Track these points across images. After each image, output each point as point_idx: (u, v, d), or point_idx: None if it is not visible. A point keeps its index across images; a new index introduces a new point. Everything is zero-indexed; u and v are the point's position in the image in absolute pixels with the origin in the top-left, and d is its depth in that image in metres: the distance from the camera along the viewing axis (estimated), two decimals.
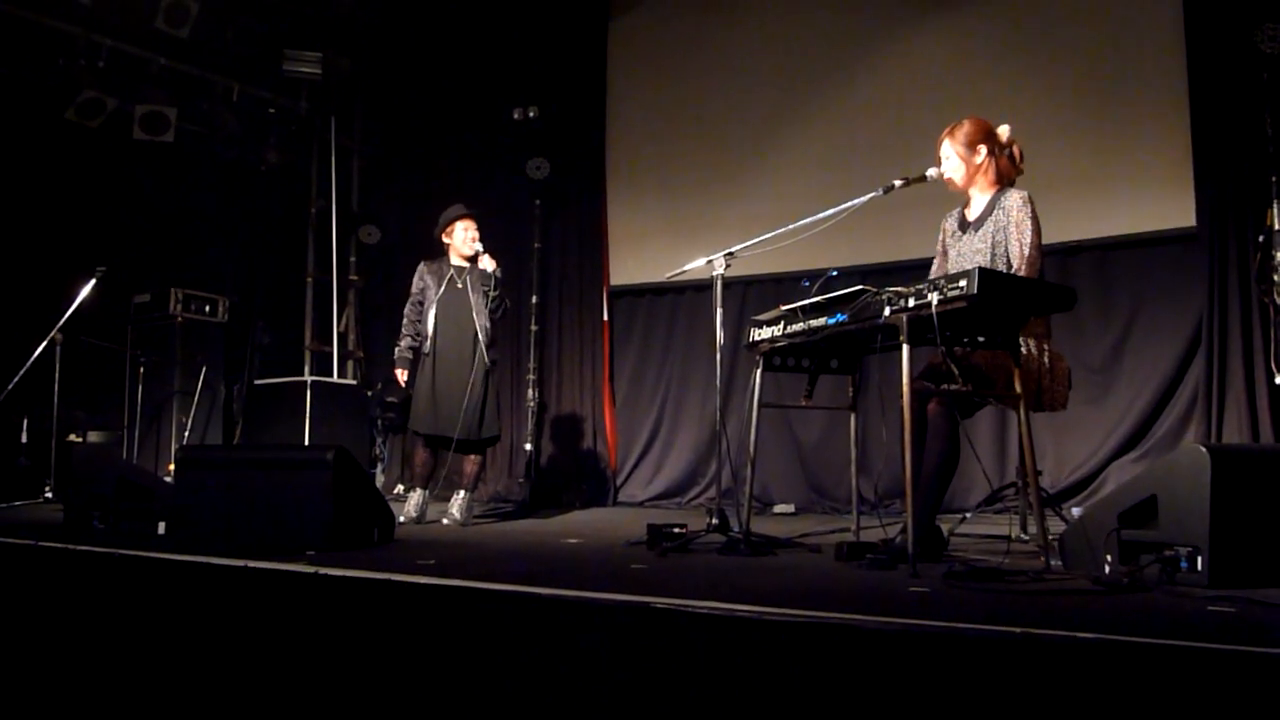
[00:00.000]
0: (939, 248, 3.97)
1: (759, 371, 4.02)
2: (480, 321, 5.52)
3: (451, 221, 5.69)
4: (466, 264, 5.64)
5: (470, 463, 5.57)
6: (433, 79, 8.54)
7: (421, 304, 5.68)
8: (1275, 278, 5.28)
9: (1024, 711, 1.87)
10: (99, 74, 7.26)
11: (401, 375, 5.79)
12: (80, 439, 7.08)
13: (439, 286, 5.60)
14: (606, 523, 5.79)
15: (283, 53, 8.03)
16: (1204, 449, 2.71)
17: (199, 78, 7.91)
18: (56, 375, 6.62)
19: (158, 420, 7.48)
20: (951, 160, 3.80)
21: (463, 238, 5.65)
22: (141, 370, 7.36)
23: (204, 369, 7.54)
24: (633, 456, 7.49)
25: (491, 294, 5.52)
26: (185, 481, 4.24)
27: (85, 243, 7.40)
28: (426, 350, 5.60)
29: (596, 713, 2.31)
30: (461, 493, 5.49)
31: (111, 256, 6.99)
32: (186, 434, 7.34)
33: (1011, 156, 3.86)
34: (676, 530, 4.04)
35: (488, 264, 5.57)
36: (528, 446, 7.76)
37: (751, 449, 4.13)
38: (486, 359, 5.49)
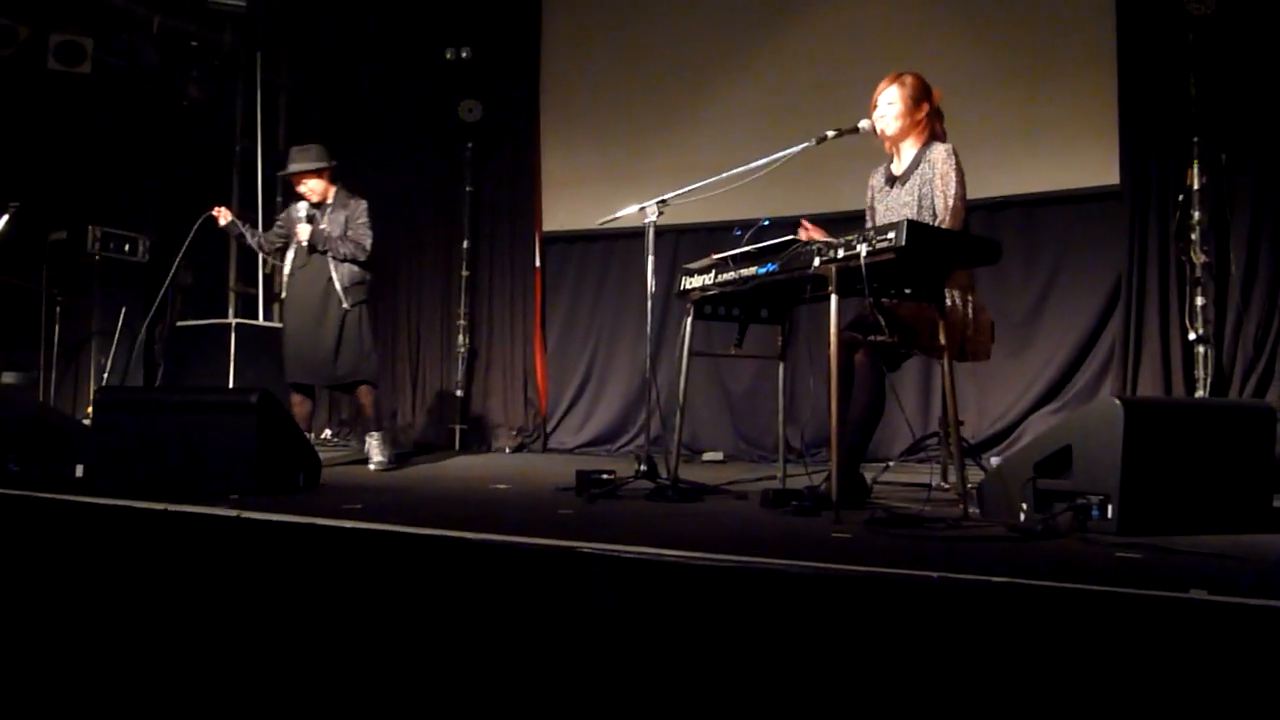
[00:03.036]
0: (868, 204, 4.00)
1: (689, 320, 4.03)
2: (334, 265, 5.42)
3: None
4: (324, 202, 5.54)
5: (364, 405, 5.48)
6: (363, 15, 8.32)
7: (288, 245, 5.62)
8: (1193, 236, 5.42)
9: (941, 653, 1.92)
10: (10, 0, 6.96)
11: (220, 213, 5.54)
12: None
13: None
14: (536, 469, 5.80)
15: None
16: (1117, 401, 2.79)
17: (118, 8, 7.61)
18: None
19: (75, 362, 7.30)
20: (895, 107, 3.78)
21: (299, 190, 5.53)
22: (58, 310, 7.15)
23: (124, 309, 7.34)
24: (564, 403, 7.50)
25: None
26: (104, 424, 4.15)
27: None
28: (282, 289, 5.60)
29: (520, 657, 2.33)
30: (374, 434, 5.43)
31: (25, 192, 6.75)
32: (106, 376, 7.16)
33: (941, 119, 3.89)
34: (605, 476, 4.07)
35: (303, 232, 5.42)
36: (458, 392, 7.72)
37: (681, 397, 4.16)
38: (345, 302, 5.39)
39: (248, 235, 5.63)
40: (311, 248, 5.39)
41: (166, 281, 6.31)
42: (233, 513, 2.96)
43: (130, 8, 7.67)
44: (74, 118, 7.67)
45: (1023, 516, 2.96)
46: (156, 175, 8.20)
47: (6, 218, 6.40)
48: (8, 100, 7.31)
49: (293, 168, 5.48)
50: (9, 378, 6.99)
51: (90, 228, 7.31)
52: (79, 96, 7.55)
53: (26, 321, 7.25)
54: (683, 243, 6.77)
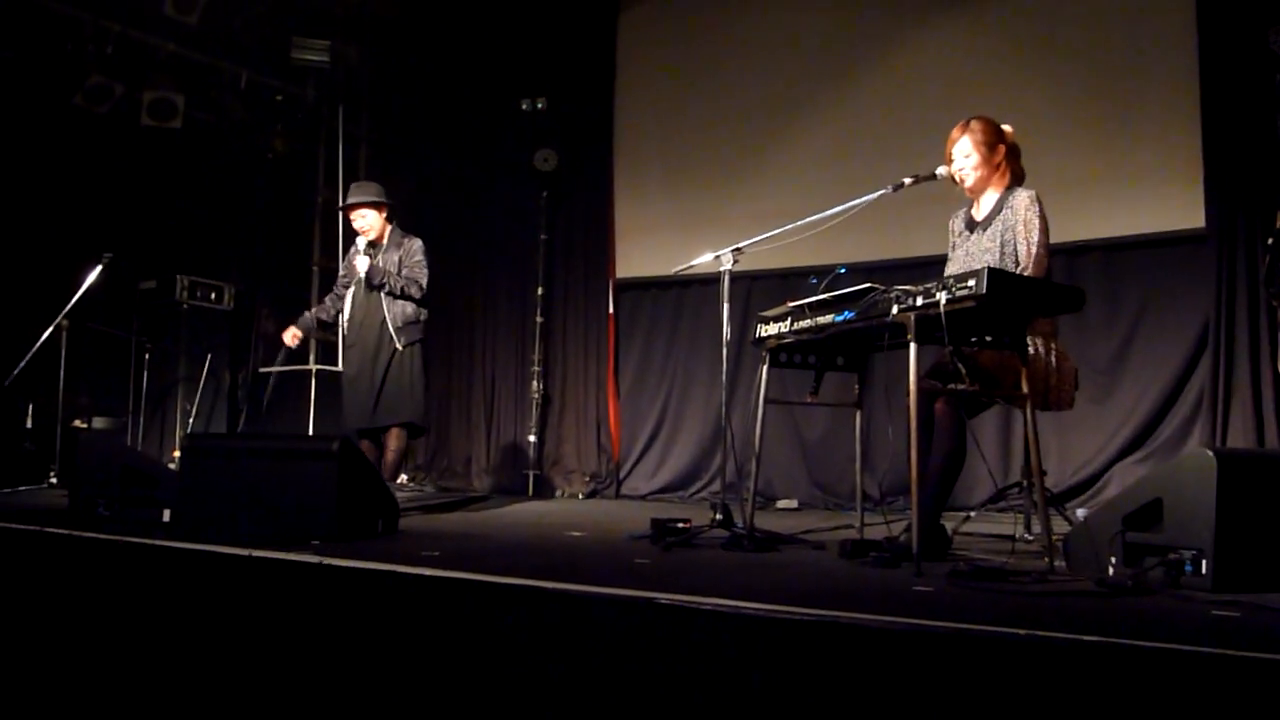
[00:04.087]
0: (951, 249, 3.95)
1: (765, 367, 4.01)
2: (387, 304, 5.38)
3: (344, 212, 5.60)
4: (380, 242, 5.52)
5: (390, 449, 5.39)
6: (441, 68, 8.52)
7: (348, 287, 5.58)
8: None
9: (1028, 713, 1.87)
10: (107, 60, 7.26)
11: (292, 338, 5.65)
12: (85, 425, 7.10)
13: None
14: (610, 515, 5.80)
15: (291, 40, 8.02)
16: (1210, 453, 2.70)
17: (207, 65, 7.90)
18: (62, 361, 6.64)
19: (162, 407, 7.51)
20: (972, 158, 3.75)
21: (355, 226, 5.53)
22: (147, 357, 7.38)
23: (209, 356, 7.55)
24: (636, 449, 7.49)
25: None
26: (191, 469, 4.25)
27: (92, 228, 7.42)
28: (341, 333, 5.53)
29: (599, 708, 2.32)
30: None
31: (118, 243, 7.01)
32: (191, 421, 7.36)
33: (1018, 156, 3.85)
34: (680, 525, 4.04)
35: (361, 264, 5.40)
36: (531, 438, 7.77)
37: (757, 445, 4.12)
38: (397, 341, 5.34)
39: (321, 319, 5.68)
40: (369, 283, 5.38)
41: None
42: (315, 559, 3.01)
43: (219, 65, 7.96)
44: (165, 171, 7.95)
45: (1111, 571, 2.88)
46: (242, 225, 8.45)
47: (99, 268, 6.63)
48: (103, 155, 7.60)
49: (351, 199, 5.54)
50: (100, 423, 7.21)
51: (178, 277, 7.55)
52: (170, 150, 7.84)
53: (117, 368, 7.49)
54: (756, 289, 6.75)
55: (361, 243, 5.48)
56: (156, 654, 3.07)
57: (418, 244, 5.52)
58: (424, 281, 5.45)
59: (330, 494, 3.87)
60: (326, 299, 5.75)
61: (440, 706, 2.54)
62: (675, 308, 7.48)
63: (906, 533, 3.36)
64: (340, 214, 8.28)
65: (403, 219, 5.63)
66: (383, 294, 5.37)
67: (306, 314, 5.73)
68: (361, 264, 5.39)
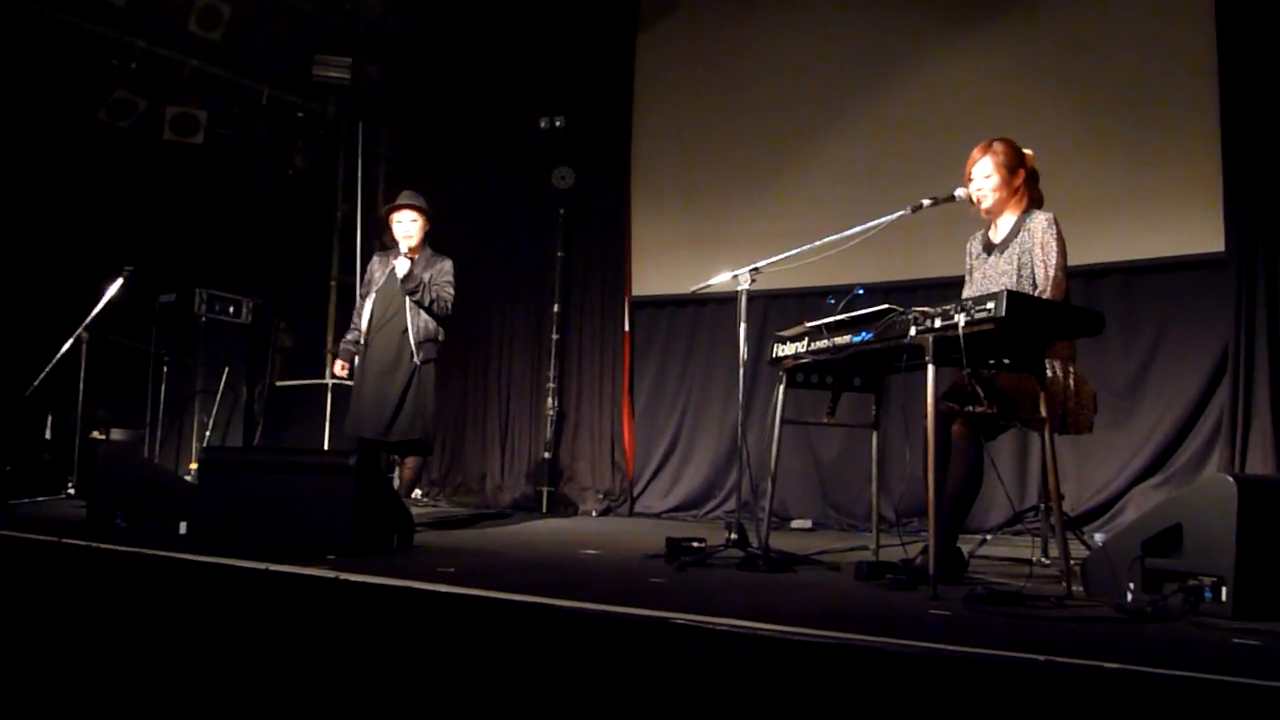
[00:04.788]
0: (968, 272, 3.95)
1: (782, 387, 4.00)
2: (411, 316, 5.35)
3: (388, 213, 5.57)
4: (414, 256, 5.47)
5: (407, 466, 5.44)
6: (460, 86, 8.58)
7: (367, 296, 5.52)
8: None
9: None
10: (131, 75, 7.35)
11: (341, 368, 5.63)
12: (103, 436, 7.14)
13: (383, 277, 5.47)
14: (624, 533, 5.79)
15: (312, 58, 8.09)
16: (1231, 479, 2.69)
17: (229, 81, 7.98)
18: (81, 372, 6.69)
19: (179, 419, 7.54)
20: (992, 179, 3.74)
21: (396, 231, 5.49)
22: (165, 369, 7.42)
23: (226, 369, 7.58)
24: (651, 467, 7.49)
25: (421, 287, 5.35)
26: (208, 483, 4.27)
27: (113, 241, 7.48)
28: (361, 344, 5.43)
29: None
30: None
31: (139, 256, 7.06)
32: (208, 434, 7.39)
33: (1037, 181, 3.85)
34: (695, 544, 4.04)
35: (400, 266, 5.38)
36: (546, 454, 7.77)
37: (773, 465, 4.11)
38: (416, 356, 5.32)
39: (356, 340, 5.54)
40: (404, 285, 5.34)
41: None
42: (331, 574, 3.01)
43: (241, 81, 8.03)
44: (186, 185, 8.02)
45: (1130, 597, 2.86)
46: (261, 240, 8.51)
47: (120, 281, 6.68)
48: (126, 169, 7.68)
49: (403, 200, 5.53)
50: (118, 435, 7.25)
51: (197, 290, 7.60)
52: (191, 165, 7.90)
53: (135, 380, 7.54)
54: (773, 308, 6.75)
55: (404, 246, 5.46)
56: (172, 666, 3.08)
57: (449, 264, 5.54)
58: (451, 303, 5.47)
59: (346, 509, 3.88)
60: (349, 332, 5.62)
61: None
62: (691, 326, 7.48)
63: (922, 555, 3.35)
64: (360, 228, 8.39)
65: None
66: (410, 301, 5.37)
67: (344, 345, 5.61)
68: (401, 265, 5.38)
